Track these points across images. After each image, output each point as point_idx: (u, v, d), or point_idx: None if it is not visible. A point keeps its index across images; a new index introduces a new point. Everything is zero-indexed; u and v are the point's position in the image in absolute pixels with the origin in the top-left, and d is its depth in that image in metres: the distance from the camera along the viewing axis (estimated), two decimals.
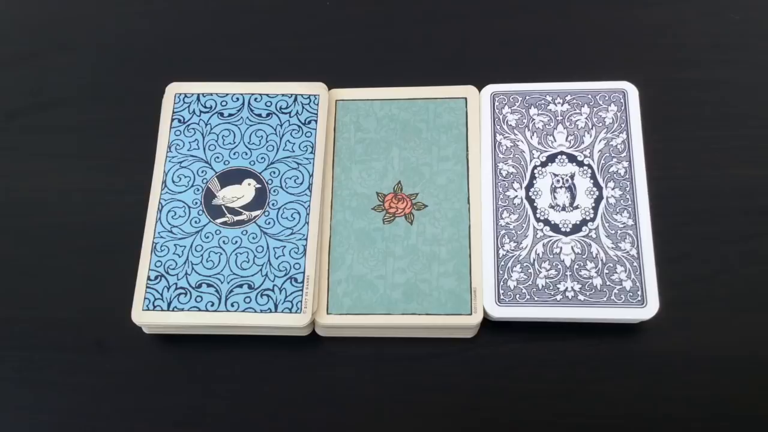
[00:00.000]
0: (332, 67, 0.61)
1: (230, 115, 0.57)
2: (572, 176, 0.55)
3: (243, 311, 0.51)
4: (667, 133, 0.57)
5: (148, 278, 0.52)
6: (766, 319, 0.52)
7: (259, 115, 0.57)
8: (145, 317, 0.51)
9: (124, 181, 0.58)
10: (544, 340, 0.52)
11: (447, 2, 0.64)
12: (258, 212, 0.54)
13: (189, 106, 0.57)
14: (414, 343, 0.52)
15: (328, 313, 0.51)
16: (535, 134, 0.56)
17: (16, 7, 0.66)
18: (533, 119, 0.56)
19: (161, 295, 0.51)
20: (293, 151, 0.55)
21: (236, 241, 0.53)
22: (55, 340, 0.53)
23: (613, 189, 0.54)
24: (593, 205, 0.54)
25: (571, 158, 0.55)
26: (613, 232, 0.53)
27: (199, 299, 0.51)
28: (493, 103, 0.57)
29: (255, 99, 0.57)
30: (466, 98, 0.57)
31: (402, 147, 0.56)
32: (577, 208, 0.54)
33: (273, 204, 0.54)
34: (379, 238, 0.53)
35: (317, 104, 0.57)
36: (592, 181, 0.54)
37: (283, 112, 0.57)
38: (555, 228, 0.53)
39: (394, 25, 0.63)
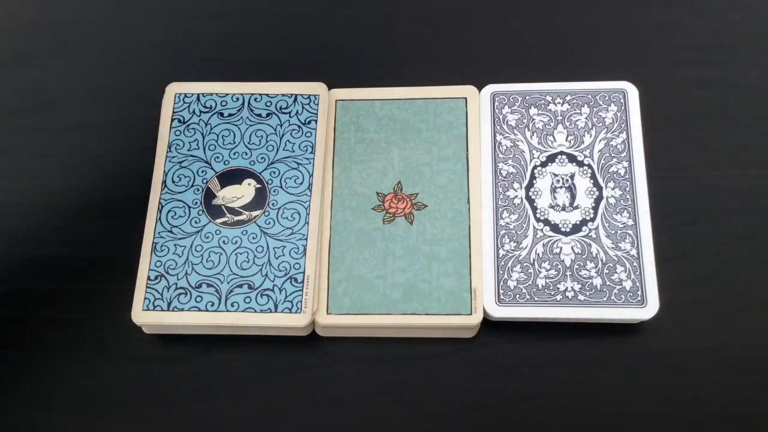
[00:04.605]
0: (332, 67, 0.61)
1: (230, 115, 0.57)
2: (572, 176, 0.55)
3: (243, 311, 0.51)
4: (667, 133, 0.57)
5: (148, 278, 0.52)
6: (766, 319, 0.52)
7: (259, 115, 0.57)
8: (145, 317, 0.51)
9: (124, 180, 0.58)
10: (544, 340, 0.52)
11: (447, 2, 0.64)
12: (258, 212, 0.54)
13: (189, 106, 0.57)
14: (414, 343, 0.52)
15: (328, 313, 0.51)
16: (535, 134, 0.56)
17: (17, 7, 0.66)
18: (533, 119, 0.56)
19: (161, 295, 0.51)
20: (293, 151, 0.55)
21: (236, 241, 0.53)
22: (55, 340, 0.53)
23: (613, 189, 0.54)
24: (593, 205, 0.54)
25: (571, 158, 0.55)
26: (613, 232, 0.53)
27: (199, 299, 0.51)
28: (493, 103, 0.57)
29: (255, 99, 0.57)
30: (466, 98, 0.57)
31: (402, 147, 0.56)
32: (577, 208, 0.54)
33: (273, 204, 0.54)
34: (379, 238, 0.53)
35: (317, 104, 0.57)
36: (592, 181, 0.54)
37: (283, 112, 0.57)
38: (555, 228, 0.53)
39: (394, 25, 0.63)
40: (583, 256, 0.52)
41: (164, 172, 0.55)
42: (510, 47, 0.61)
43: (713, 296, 0.53)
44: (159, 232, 0.53)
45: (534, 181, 0.54)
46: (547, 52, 0.61)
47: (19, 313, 0.54)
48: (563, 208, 0.54)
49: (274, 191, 0.54)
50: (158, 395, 0.52)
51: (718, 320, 0.52)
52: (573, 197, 0.54)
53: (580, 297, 0.51)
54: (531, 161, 0.55)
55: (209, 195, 0.54)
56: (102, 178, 0.58)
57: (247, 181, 0.55)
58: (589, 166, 0.55)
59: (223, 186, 0.55)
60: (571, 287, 0.51)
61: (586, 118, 0.56)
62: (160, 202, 0.54)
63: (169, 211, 0.54)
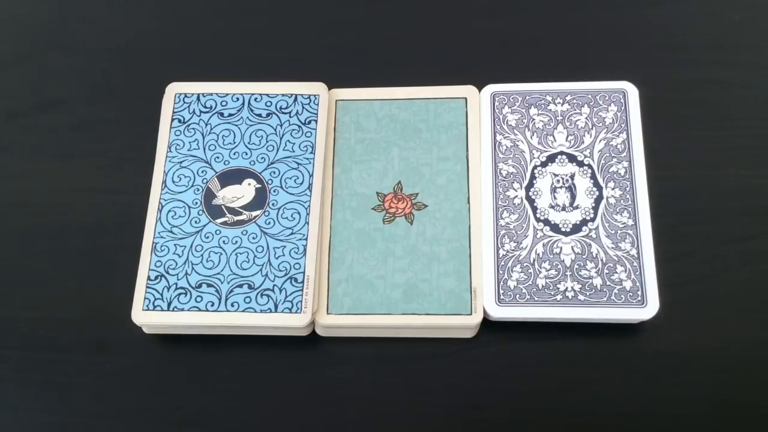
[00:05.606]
0: (332, 67, 0.61)
1: (230, 115, 0.57)
2: (572, 176, 0.55)
3: (243, 311, 0.51)
4: (667, 133, 0.57)
5: (148, 278, 0.52)
6: (765, 319, 0.52)
7: (259, 115, 0.57)
8: (145, 317, 0.51)
9: (124, 181, 0.58)
10: (544, 340, 0.52)
11: (447, 2, 0.64)
12: (258, 212, 0.54)
13: (189, 106, 0.57)
14: (414, 343, 0.52)
15: (328, 313, 0.51)
16: (535, 134, 0.56)
17: (17, 7, 0.66)
18: (533, 119, 0.56)
19: (161, 295, 0.51)
20: (293, 151, 0.55)
21: (236, 241, 0.53)
22: (55, 340, 0.53)
23: (613, 189, 0.54)
24: (593, 205, 0.54)
25: (571, 158, 0.55)
26: (613, 232, 0.53)
27: (199, 299, 0.51)
28: (493, 103, 0.57)
29: (255, 99, 0.57)
30: (466, 98, 0.57)
31: (402, 147, 0.56)
32: (577, 208, 0.54)
33: (273, 204, 0.54)
34: (379, 238, 0.53)
35: (317, 104, 0.57)
36: (592, 181, 0.54)
37: (283, 112, 0.57)
38: (555, 228, 0.53)
39: (395, 25, 0.63)
40: (583, 256, 0.52)
41: (164, 172, 0.55)
42: (510, 47, 0.61)
43: (713, 296, 0.53)
44: (159, 232, 0.53)
45: (534, 181, 0.54)
46: (547, 52, 0.61)
47: (20, 313, 0.54)
48: (563, 208, 0.54)
49: (274, 191, 0.54)
50: (158, 395, 0.52)
51: (718, 320, 0.52)
52: (573, 197, 0.54)
53: (580, 297, 0.51)
54: (531, 161, 0.55)
55: (209, 195, 0.54)
56: (101, 179, 0.58)
57: (247, 181, 0.55)
58: (589, 166, 0.55)
59: (223, 186, 0.55)
60: (571, 287, 0.51)
61: (586, 118, 0.56)
62: (160, 202, 0.54)
63: (169, 211, 0.54)
